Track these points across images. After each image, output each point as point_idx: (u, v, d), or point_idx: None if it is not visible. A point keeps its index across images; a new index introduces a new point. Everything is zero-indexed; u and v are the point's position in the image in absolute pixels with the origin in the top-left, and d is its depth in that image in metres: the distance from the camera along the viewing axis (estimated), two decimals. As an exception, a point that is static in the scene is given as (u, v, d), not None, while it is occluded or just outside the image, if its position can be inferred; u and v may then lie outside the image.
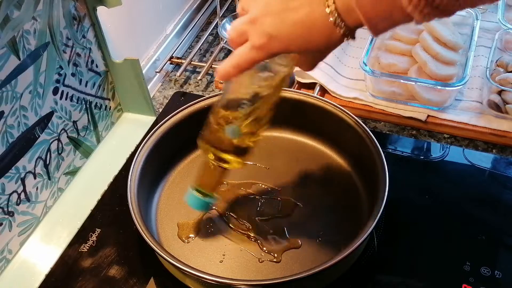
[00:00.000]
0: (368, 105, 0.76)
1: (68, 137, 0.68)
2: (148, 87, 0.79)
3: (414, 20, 0.38)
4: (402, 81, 0.73)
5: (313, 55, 0.47)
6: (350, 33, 0.41)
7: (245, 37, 0.44)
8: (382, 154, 0.58)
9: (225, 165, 0.53)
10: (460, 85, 0.70)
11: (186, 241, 0.60)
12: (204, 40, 0.93)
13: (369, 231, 0.51)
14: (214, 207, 0.62)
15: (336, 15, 0.39)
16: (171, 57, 0.89)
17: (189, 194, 0.56)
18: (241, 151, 0.52)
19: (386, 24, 0.40)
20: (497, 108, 0.71)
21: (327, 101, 0.65)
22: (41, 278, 0.59)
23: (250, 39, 0.44)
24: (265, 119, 0.51)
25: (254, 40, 0.43)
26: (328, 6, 0.40)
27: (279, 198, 0.64)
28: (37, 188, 0.64)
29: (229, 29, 0.46)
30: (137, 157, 0.61)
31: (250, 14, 0.44)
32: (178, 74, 0.86)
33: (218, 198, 0.57)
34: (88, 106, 0.71)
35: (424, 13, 0.37)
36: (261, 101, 0.49)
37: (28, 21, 0.57)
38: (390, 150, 0.71)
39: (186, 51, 0.94)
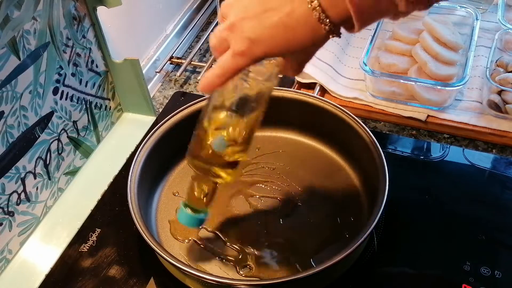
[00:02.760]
0: (368, 105, 0.76)
1: (68, 137, 0.68)
2: (148, 87, 0.79)
3: (398, 8, 0.37)
4: (402, 81, 0.73)
5: (297, 57, 0.45)
6: (335, 29, 0.40)
7: (226, 44, 0.42)
8: (382, 154, 0.58)
9: (215, 179, 0.51)
10: (460, 85, 0.70)
11: (185, 241, 0.60)
12: (204, 40, 0.93)
13: (369, 231, 0.51)
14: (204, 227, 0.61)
15: (320, 11, 0.38)
16: (171, 57, 0.89)
17: (180, 212, 0.53)
18: (230, 165, 0.50)
19: (373, 13, 0.39)
20: (497, 108, 0.71)
21: (327, 101, 0.65)
22: (41, 278, 0.59)
23: (231, 46, 0.42)
24: (251, 131, 0.49)
25: (235, 47, 0.42)
26: (311, 2, 0.38)
27: (278, 198, 0.64)
28: (37, 188, 0.64)
29: (210, 36, 0.44)
30: (137, 157, 0.61)
31: (228, 20, 0.42)
32: (178, 74, 0.86)
33: (209, 214, 0.54)
34: (88, 106, 0.71)
35: (409, 1, 0.37)
36: (245, 110, 0.48)
37: (28, 21, 0.57)
38: (390, 150, 0.71)
39: (186, 51, 0.94)
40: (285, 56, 0.44)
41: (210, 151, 0.48)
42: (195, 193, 0.52)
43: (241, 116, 0.47)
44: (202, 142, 0.49)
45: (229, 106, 0.47)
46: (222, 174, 0.50)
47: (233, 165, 0.50)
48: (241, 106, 0.47)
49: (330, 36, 0.40)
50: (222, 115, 0.48)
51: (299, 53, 0.43)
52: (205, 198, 0.53)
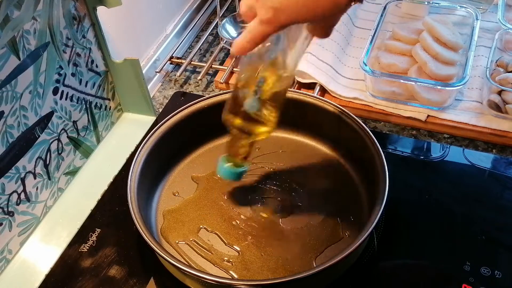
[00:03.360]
0: (368, 105, 0.76)
1: (68, 137, 0.68)
2: (148, 87, 0.79)
3: None
4: (402, 81, 0.73)
5: (323, 22, 0.47)
6: None
7: (254, 10, 0.45)
8: (382, 154, 0.58)
9: (250, 136, 0.54)
10: (460, 85, 0.70)
11: (185, 241, 0.60)
12: (204, 40, 0.93)
13: (369, 231, 0.51)
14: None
15: None
16: (171, 57, 0.89)
17: (220, 166, 0.58)
18: (263, 123, 0.53)
19: None
20: (497, 108, 0.71)
21: (327, 101, 0.65)
22: (41, 278, 0.59)
23: (257, 14, 0.44)
24: (281, 93, 0.52)
25: (261, 15, 0.44)
26: None
27: (279, 199, 0.64)
28: (37, 188, 0.64)
29: (241, 3, 0.47)
30: (137, 157, 0.61)
31: None
32: (178, 74, 0.86)
33: (249, 168, 0.59)
34: (88, 106, 0.71)
35: None
36: (276, 73, 0.50)
37: (28, 21, 0.57)
38: (390, 150, 0.71)
39: (186, 51, 0.94)
40: (310, 22, 0.46)
41: (244, 111, 0.52)
42: (233, 148, 0.56)
43: (272, 78, 0.50)
44: (236, 103, 0.52)
45: (261, 70, 0.50)
46: (257, 131, 0.53)
47: (266, 122, 0.53)
48: (272, 69, 0.50)
49: (352, 3, 0.42)
50: (254, 78, 0.51)
51: (324, 19, 0.45)
52: (242, 153, 0.56)
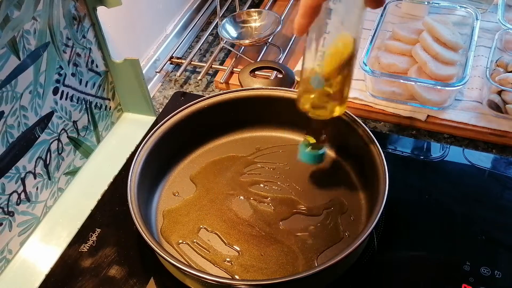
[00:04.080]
0: (368, 105, 0.76)
1: (68, 137, 0.68)
2: (148, 87, 0.79)
3: None
4: (402, 81, 0.73)
5: None
6: None
7: None
8: (382, 154, 0.58)
9: (326, 114, 0.55)
10: (460, 85, 0.70)
11: (185, 241, 0.60)
12: (204, 40, 0.93)
13: (369, 231, 0.51)
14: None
15: None
16: (171, 57, 0.89)
17: (301, 151, 0.60)
18: (334, 98, 0.54)
19: None
20: (497, 108, 0.71)
21: (327, 101, 0.65)
22: (41, 278, 0.59)
23: None
24: (345, 67, 0.53)
25: None
26: None
27: (279, 198, 0.64)
28: (37, 188, 0.64)
29: None
30: (137, 157, 0.61)
31: None
32: (178, 74, 0.86)
33: (326, 150, 0.61)
34: (88, 106, 0.71)
35: None
36: (335, 46, 0.51)
37: (28, 21, 0.57)
38: (390, 150, 0.71)
39: (186, 51, 0.94)
40: None
41: (313, 91, 0.53)
42: (311, 131, 0.59)
43: (330, 52, 0.51)
44: (304, 84, 0.54)
45: (320, 46, 0.51)
46: (330, 108, 0.55)
47: (337, 97, 0.54)
48: (330, 43, 0.50)
49: None
50: (316, 55, 0.51)
51: None
52: (321, 137, 0.59)
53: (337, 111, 0.55)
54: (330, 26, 0.50)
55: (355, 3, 0.49)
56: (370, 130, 0.61)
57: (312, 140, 0.59)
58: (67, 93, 0.66)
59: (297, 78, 0.80)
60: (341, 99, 0.55)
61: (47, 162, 0.65)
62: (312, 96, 0.54)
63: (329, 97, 0.54)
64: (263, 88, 0.69)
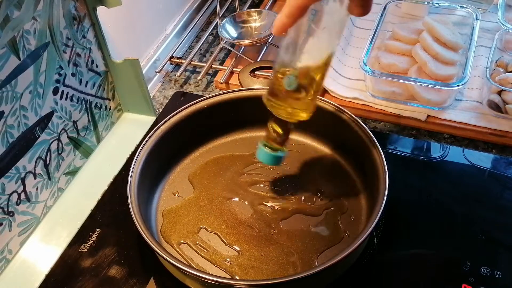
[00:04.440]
0: (368, 105, 0.76)
1: (68, 137, 0.68)
2: (148, 87, 0.79)
3: None
4: (402, 81, 0.73)
5: None
6: None
7: None
8: (382, 154, 0.58)
9: (290, 117, 0.54)
10: (460, 85, 0.70)
11: (185, 241, 0.60)
12: (204, 40, 0.93)
13: (369, 231, 0.51)
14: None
15: None
16: (171, 57, 0.89)
17: (259, 150, 0.58)
18: (302, 103, 0.53)
19: None
20: (497, 108, 0.71)
21: (327, 101, 0.65)
22: (41, 278, 0.59)
23: None
24: (319, 72, 0.52)
25: None
26: None
27: (278, 198, 0.64)
28: (37, 188, 0.64)
29: None
30: (137, 157, 0.61)
31: None
32: (178, 74, 0.86)
33: (287, 153, 0.59)
34: (88, 106, 0.71)
35: None
36: (312, 50, 0.51)
37: (28, 21, 0.57)
38: (390, 150, 0.71)
39: (186, 51, 0.94)
40: None
41: (283, 90, 0.52)
42: (272, 133, 0.57)
43: (307, 56, 0.50)
44: (276, 82, 0.52)
45: (297, 48, 0.50)
46: (296, 112, 0.53)
47: (305, 102, 0.53)
48: (309, 46, 0.50)
49: None
50: (292, 55, 0.51)
51: None
52: (280, 138, 0.57)
53: (302, 116, 0.54)
54: (312, 29, 0.49)
55: (340, 9, 0.48)
56: (370, 130, 0.61)
57: (270, 142, 0.58)
58: (67, 93, 0.66)
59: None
60: (309, 104, 0.53)
61: (47, 162, 0.65)
62: (281, 95, 0.53)
63: (297, 99, 0.53)
64: (263, 88, 0.68)
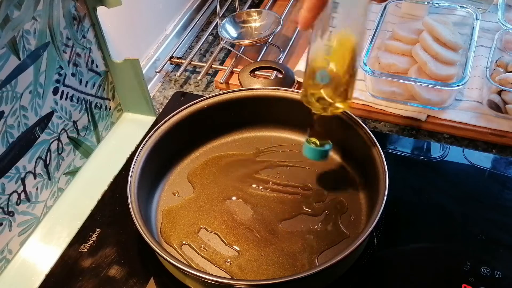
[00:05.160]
0: (368, 105, 0.76)
1: (68, 137, 0.68)
2: (148, 87, 0.79)
3: None
4: (402, 81, 0.73)
5: None
6: None
7: None
8: (382, 154, 0.58)
9: (330, 111, 0.55)
10: (460, 85, 0.70)
11: (185, 242, 0.60)
12: (204, 40, 0.93)
13: (369, 231, 0.51)
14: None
15: None
16: (171, 57, 0.89)
17: (306, 147, 0.59)
18: (339, 95, 0.54)
19: None
20: (497, 108, 0.71)
21: (327, 101, 0.65)
22: (41, 278, 0.59)
23: None
24: (351, 62, 0.52)
25: None
26: None
27: (278, 198, 0.64)
28: (37, 188, 0.64)
29: None
30: (137, 157, 0.61)
31: None
32: (178, 74, 0.86)
33: (332, 146, 0.59)
34: (88, 106, 0.71)
35: None
36: (341, 40, 0.51)
37: (28, 21, 0.57)
38: (390, 150, 0.71)
39: (186, 51, 0.94)
40: None
41: (318, 85, 0.53)
42: (315, 128, 0.58)
43: (336, 45, 0.51)
44: (309, 79, 0.53)
45: (326, 40, 0.51)
46: (335, 104, 0.54)
47: (341, 93, 0.54)
48: (335, 37, 0.50)
49: None
50: (322, 49, 0.51)
51: None
52: (324, 131, 0.58)
53: (341, 108, 0.55)
54: (336, 20, 0.49)
55: None
56: (370, 130, 0.61)
57: (315, 138, 0.59)
58: (67, 93, 0.66)
59: (297, 78, 0.80)
60: (345, 95, 0.54)
61: (47, 162, 0.65)
62: (317, 91, 0.54)
63: (333, 92, 0.54)
64: (263, 88, 0.69)
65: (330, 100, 0.54)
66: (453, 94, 0.73)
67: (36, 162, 0.63)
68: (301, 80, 0.79)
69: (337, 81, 0.53)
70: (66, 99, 0.66)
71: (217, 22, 0.91)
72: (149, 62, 0.86)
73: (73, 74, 0.66)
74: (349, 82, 0.53)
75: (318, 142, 0.59)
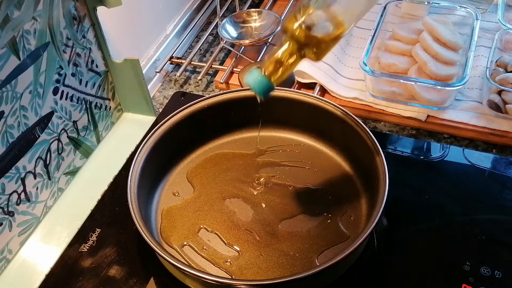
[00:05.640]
0: (368, 105, 0.76)
1: (68, 137, 0.68)
2: (148, 87, 0.79)
3: None
4: (402, 81, 0.73)
5: None
6: None
7: None
8: (382, 154, 0.58)
9: (302, 53, 0.51)
10: (460, 85, 0.70)
11: (185, 242, 0.60)
12: (204, 40, 0.93)
13: (369, 231, 0.51)
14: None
15: None
16: (171, 57, 0.89)
17: (252, 74, 0.52)
18: (320, 44, 0.51)
19: None
20: (497, 108, 0.71)
21: (327, 101, 0.65)
22: (41, 278, 0.59)
23: None
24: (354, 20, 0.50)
25: None
26: None
27: (278, 198, 0.64)
28: (37, 188, 0.64)
29: None
30: (137, 157, 0.61)
31: None
32: (178, 74, 0.86)
33: (274, 89, 0.53)
34: (88, 106, 0.71)
35: None
36: None
37: (28, 21, 0.57)
38: (390, 150, 0.71)
39: (186, 51, 0.94)
40: None
41: (306, 26, 0.49)
42: (275, 62, 0.52)
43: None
44: (303, 13, 0.49)
45: None
46: (313, 51, 0.51)
47: (323, 45, 0.51)
48: None
49: None
50: None
51: None
52: (281, 70, 0.52)
53: (313, 56, 0.51)
54: None
55: None
56: (370, 130, 0.61)
57: (269, 71, 0.52)
58: (67, 93, 0.66)
59: (297, 78, 0.80)
60: (324, 51, 0.51)
61: (47, 162, 0.65)
62: (302, 30, 0.49)
63: (314, 42, 0.50)
64: (263, 88, 0.68)
65: (307, 46, 0.50)
66: (453, 94, 0.73)
67: (36, 162, 0.63)
68: (301, 80, 0.79)
69: (330, 33, 0.50)
70: (66, 99, 0.66)
71: (217, 22, 0.91)
72: (149, 62, 0.86)
73: (73, 74, 0.66)
74: (333, 43, 0.51)
75: (268, 76, 0.52)
